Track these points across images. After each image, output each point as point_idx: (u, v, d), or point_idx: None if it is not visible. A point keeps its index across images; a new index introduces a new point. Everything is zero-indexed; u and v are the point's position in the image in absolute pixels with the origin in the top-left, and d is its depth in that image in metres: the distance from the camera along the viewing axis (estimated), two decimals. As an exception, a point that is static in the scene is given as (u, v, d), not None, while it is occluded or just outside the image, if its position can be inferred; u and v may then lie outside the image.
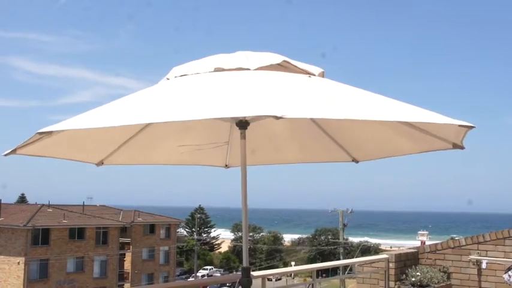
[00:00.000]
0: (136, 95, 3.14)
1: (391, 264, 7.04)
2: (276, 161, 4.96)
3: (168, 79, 3.46)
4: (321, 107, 2.76)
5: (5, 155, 2.93)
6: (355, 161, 4.42)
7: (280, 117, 2.34)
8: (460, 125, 2.85)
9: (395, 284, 7.10)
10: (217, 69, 3.29)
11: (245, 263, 3.75)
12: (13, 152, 2.96)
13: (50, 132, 2.72)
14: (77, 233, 45.22)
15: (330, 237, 63.31)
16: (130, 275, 50.58)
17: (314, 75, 3.44)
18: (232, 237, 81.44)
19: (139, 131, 3.91)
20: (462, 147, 3.47)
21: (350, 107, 2.84)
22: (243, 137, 3.59)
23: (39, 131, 2.64)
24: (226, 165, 4.63)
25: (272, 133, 4.40)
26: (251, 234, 75.44)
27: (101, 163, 4.04)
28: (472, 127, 2.88)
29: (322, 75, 3.55)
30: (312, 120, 4.12)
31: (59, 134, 3.14)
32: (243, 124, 3.56)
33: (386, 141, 4.16)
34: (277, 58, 3.41)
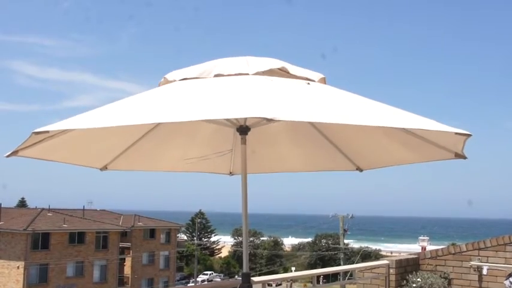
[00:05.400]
0: (134, 97, 3.12)
1: (391, 270, 7.02)
2: (279, 169, 4.94)
3: (165, 78, 3.46)
4: (316, 111, 2.75)
5: (7, 156, 2.90)
6: (359, 169, 4.40)
7: (271, 120, 2.35)
8: (456, 133, 2.80)
9: (395, 290, 7.08)
10: (217, 76, 3.29)
11: (245, 269, 3.74)
12: (14, 153, 2.91)
13: (46, 132, 2.67)
14: (77, 238, 45.17)
15: (330, 242, 63.21)
16: (130, 279, 50.46)
17: (314, 81, 3.43)
18: (233, 242, 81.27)
19: (144, 137, 3.89)
20: (464, 157, 3.45)
21: (346, 112, 2.81)
22: (244, 142, 3.60)
23: (34, 131, 2.57)
24: (230, 173, 4.63)
25: (275, 141, 4.40)
26: (251, 239, 75.21)
27: (105, 168, 4.03)
28: (468, 135, 2.84)
29: (323, 81, 3.55)
30: (316, 128, 4.11)
31: (62, 137, 3.11)
32: (243, 129, 3.56)
33: (390, 151, 4.16)
34: (277, 64, 3.41)
